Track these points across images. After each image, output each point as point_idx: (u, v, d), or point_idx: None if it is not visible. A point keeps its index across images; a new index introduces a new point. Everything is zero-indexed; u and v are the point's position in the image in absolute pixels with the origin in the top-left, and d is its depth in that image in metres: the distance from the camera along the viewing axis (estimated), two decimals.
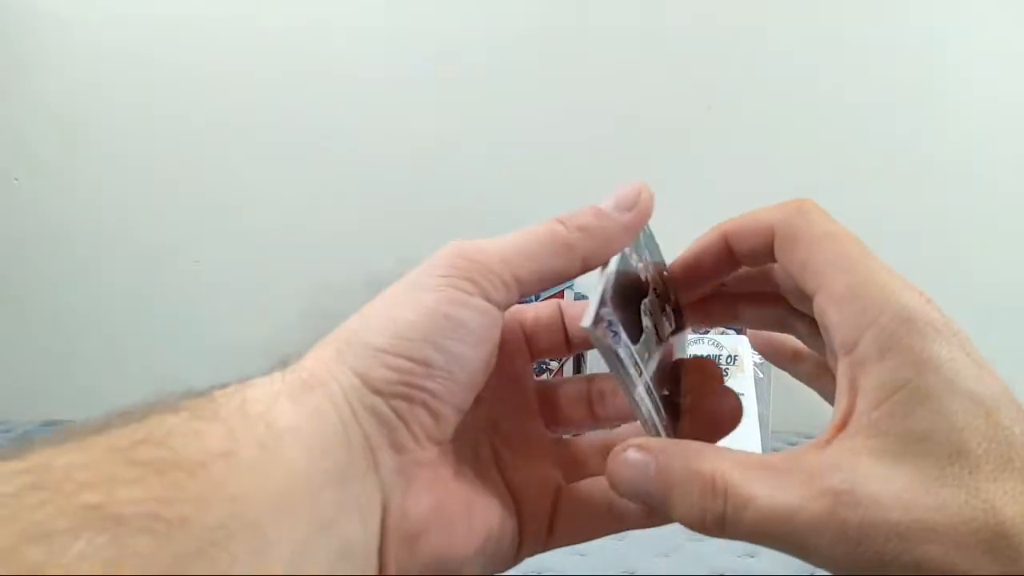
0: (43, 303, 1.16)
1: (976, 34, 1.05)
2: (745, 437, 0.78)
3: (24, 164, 1.16)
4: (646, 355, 0.25)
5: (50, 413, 1.08)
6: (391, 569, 0.20)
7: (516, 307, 0.25)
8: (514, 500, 0.26)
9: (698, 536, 0.23)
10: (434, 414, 0.22)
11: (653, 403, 0.24)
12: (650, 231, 0.28)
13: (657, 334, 0.26)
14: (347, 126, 1.14)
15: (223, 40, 1.15)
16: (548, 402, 0.29)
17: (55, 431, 0.17)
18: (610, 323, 0.22)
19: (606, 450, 0.24)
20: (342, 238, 1.14)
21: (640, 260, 0.27)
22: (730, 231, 0.26)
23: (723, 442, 0.26)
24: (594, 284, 0.23)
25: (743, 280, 0.28)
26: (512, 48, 1.13)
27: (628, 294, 0.25)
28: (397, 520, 0.21)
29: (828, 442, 0.21)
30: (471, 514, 0.23)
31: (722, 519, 0.20)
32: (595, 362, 0.82)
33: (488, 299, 0.23)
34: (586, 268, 0.25)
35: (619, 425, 0.30)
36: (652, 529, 0.26)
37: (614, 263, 0.25)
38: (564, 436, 0.30)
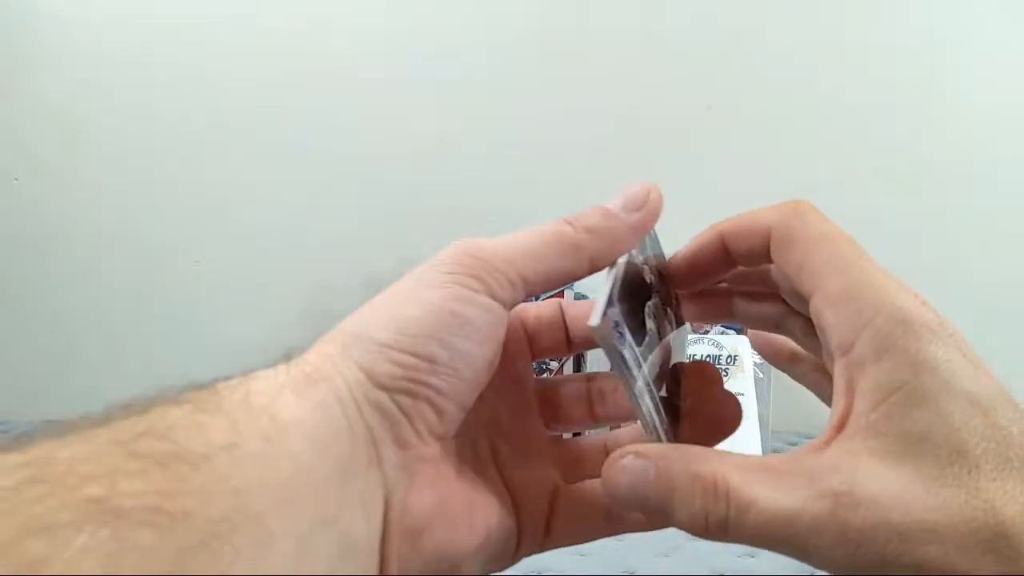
0: (43, 303, 1.16)
1: (976, 34, 1.05)
2: (745, 437, 0.78)
3: (24, 164, 1.16)
4: (648, 356, 0.25)
5: (50, 413, 1.06)
6: (393, 565, 0.20)
7: (518, 306, 0.25)
8: (512, 499, 0.25)
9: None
10: (438, 410, 0.22)
11: (654, 404, 0.24)
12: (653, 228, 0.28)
13: (659, 335, 0.26)
14: (347, 126, 1.14)
15: (223, 40, 1.15)
16: (548, 401, 0.29)
17: (56, 424, 0.17)
18: (616, 323, 0.22)
19: (605, 451, 0.24)
20: (342, 238, 1.14)
21: (644, 260, 0.27)
22: (727, 231, 0.26)
23: (723, 444, 0.26)
24: (600, 284, 0.23)
25: (740, 279, 0.28)
26: (512, 48, 1.13)
27: (633, 295, 0.25)
28: (399, 515, 0.21)
29: (827, 443, 0.21)
30: (472, 511, 0.23)
31: (725, 522, 0.20)
32: (595, 362, 0.82)
33: (494, 297, 0.23)
34: (593, 269, 0.24)
35: (619, 426, 0.30)
36: None
37: (621, 263, 0.24)
38: (563, 436, 0.30)
